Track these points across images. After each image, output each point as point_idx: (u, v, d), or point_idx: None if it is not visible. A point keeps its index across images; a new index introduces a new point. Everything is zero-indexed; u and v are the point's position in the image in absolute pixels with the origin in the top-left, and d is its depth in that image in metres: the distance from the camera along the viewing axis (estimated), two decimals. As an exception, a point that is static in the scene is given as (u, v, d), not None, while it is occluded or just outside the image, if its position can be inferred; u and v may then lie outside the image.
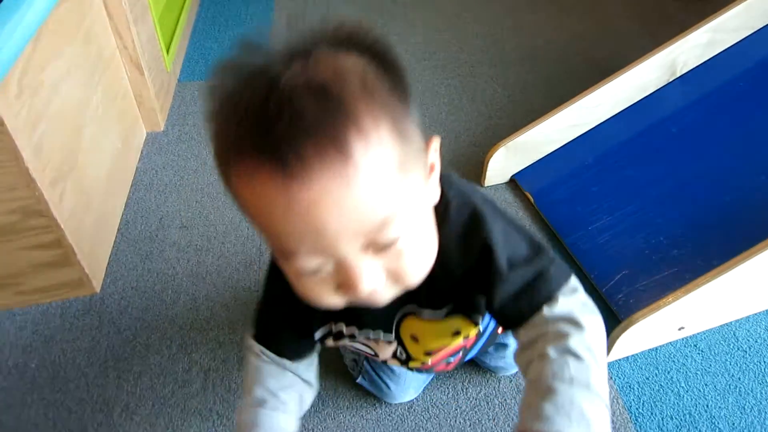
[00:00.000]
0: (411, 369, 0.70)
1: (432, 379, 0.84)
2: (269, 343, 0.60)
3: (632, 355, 0.88)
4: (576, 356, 0.43)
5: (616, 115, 1.18)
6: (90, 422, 0.80)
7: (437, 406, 0.82)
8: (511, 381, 0.85)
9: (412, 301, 0.55)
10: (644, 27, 1.72)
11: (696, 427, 0.80)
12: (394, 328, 0.59)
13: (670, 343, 0.90)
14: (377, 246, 0.40)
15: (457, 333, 0.59)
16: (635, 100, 1.18)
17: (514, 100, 1.44)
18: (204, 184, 1.18)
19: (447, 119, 1.37)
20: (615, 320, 0.88)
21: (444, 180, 0.49)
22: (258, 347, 0.60)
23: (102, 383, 0.85)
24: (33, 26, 0.76)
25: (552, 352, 0.44)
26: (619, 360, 0.88)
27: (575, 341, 0.44)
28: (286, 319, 0.58)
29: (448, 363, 0.69)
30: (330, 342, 0.61)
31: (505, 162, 1.16)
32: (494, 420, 0.81)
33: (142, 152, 1.27)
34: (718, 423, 0.80)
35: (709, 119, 1.14)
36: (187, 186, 1.18)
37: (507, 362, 0.82)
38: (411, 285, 0.44)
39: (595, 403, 0.41)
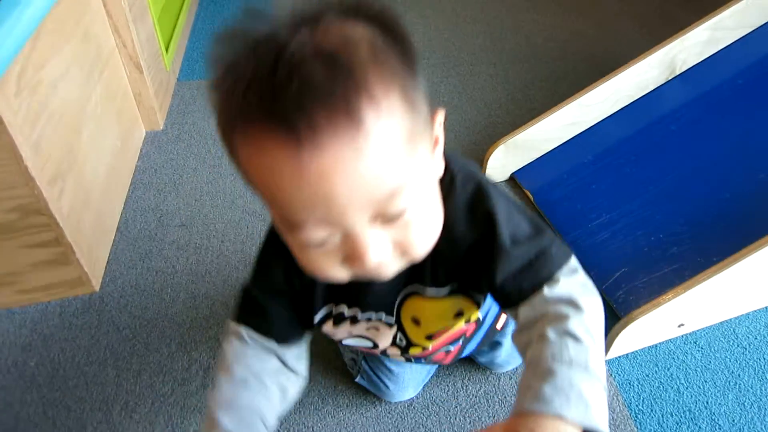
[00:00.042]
0: (410, 359, 0.69)
1: (431, 376, 0.84)
2: (257, 322, 0.56)
3: (632, 353, 0.88)
4: (575, 338, 0.43)
5: (615, 113, 1.18)
6: (89, 421, 0.80)
7: (437, 404, 0.82)
8: (511, 378, 0.85)
9: (416, 280, 0.54)
10: (644, 25, 1.72)
11: (696, 424, 0.80)
12: (395, 309, 0.58)
13: (670, 340, 0.90)
14: (385, 217, 0.39)
15: (459, 314, 0.58)
16: (635, 98, 1.18)
17: (514, 98, 1.44)
18: (203, 183, 1.18)
19: (446, 117, 1.36)
20: (615, 317, 0.88)
21: (447, 155, 0.48)
22: (243, 329, 0.56)
23: (101, 381, 0.85)
24: (32, 24, 0.76)
25: (551, 333, 0.44)
26: (619, 357, 0.88)
27: (574, 323, 0.44)
28: (280, 294, 0.56)
29: (448, 352, 0.68)
30: (328, 327, 0.60)
31: (504, 160, 1.16)
32: (494, 417, 0.81)
33: (141, 151, 1.26)
34: (718, 419, 0.80)
35: (709, 117, 1.14)
36: (187, 185, 1.18)
37: (502, 360, 0.82)
38: (417, 258, 0.44)
39: (594, 385, 0.42)
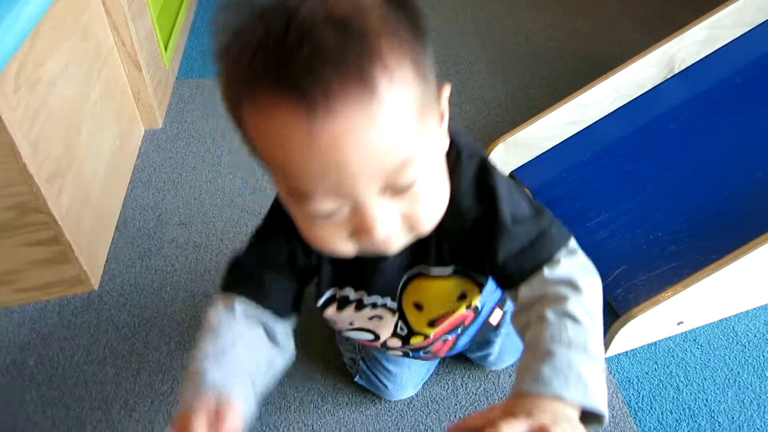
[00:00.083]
0: (408, 353, 0.69)
1: (431, 375, 0.84)
2: (251, 291, 0.53)
3: (631, 350, 0.88)
4: (574, 319, 0.44)
5: (614, 111, 1.18)
6: (89, 419, 0.80)
7: (437, 402, 0.82)
8: (510, 376, 0.85)
9: (420, 261, 0.54)
10: (643, 24, 1.73)
11: (695, 421, 0.80)
12: (398, 294, 0.57)
13: (669, 337, 0.90)
14: (395, 188, 0.39)
15: (462, 297, 0.58)
16: (633, 97, 1.19)
17: (513, 97, 1.44)
18: (202, 182, 1.18)
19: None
20: (614, 315, 0.88)
21: (452, 131, 0.49)
22: (236, 299, 0.52)
23: (100, 380, 0.84)
24: (31, 22, 0.76)
25: (550, 315, 0.44)
26: (619, 355, 0.88)
27: (573, 304, 0.44)
28: (280, 268, 0.54)
29: (446, 341, 0.68)
30: (331, 311, 0.59)
31: (504, 158, 1.16)
32: (494, 415, 0.81)
33: (140, 149, 1.26)
34: (717, 417, 0.80)
35: (707, 116, 1.14)
36: (186, 183, 1.18)
37: (494, 358, 0.82)
38: (424, 232, 0.44)
39: (593, 366, 0.42)
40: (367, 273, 0.55)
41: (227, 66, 0.38)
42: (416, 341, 0.64)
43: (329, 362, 0.86)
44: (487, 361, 0.83)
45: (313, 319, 0.90)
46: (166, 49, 1.40)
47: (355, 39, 0.35)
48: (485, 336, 0.78)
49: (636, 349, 0.89)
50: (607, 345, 0.86)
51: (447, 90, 0.45)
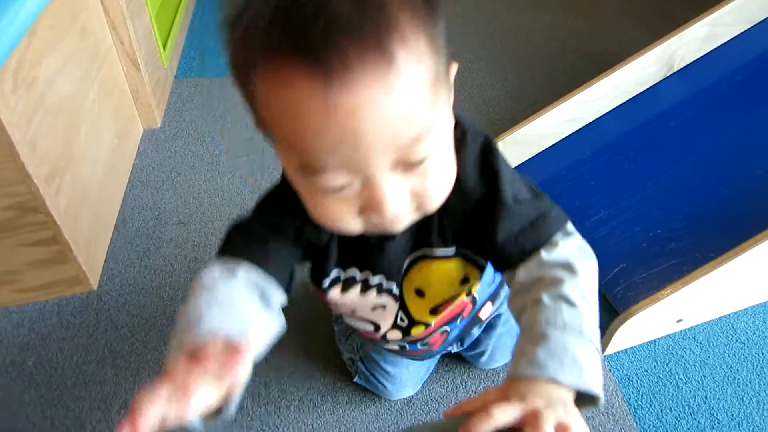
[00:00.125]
0: (406, 346, 0.69)
1: (430, 374, 0.84)
2: (253, 253, 0.50)
3: (631, 348, 0.88)
4: (569, 302, 0.44)
5: (614, 109, 1.18)
6: (88, 420, 0.80)
7: (436, 400, 0.82)
8: (510, 375, 0.85)
9: (423, 244, 0.54)
10: (643, 23, 1.72)
11: (695, 419, 0.80)
12: (401, 279, 0.57)
13: (669, 335, 0.90)
14: (407, 164, 0.39)
15: (465, 281, 0.58)
16: (633, 95, 1.18)
17: (513, 95, 1.43)
18: (201, 181, 1.18)
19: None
20: (613, 313, 0.88)
21: (455, 112, 0.49)
22: (237, 261, 0.49)
23: (100, 380, 0.84)
24: (29, 20, 0.75)
25: (546, 298, 0.44)
26: (618, 352, 0.88)
27: (569, 287, 0.44)
28: (286, 238, 0.52)
29: (444, 332, 0.68)
30: (335, 293, 0.58)
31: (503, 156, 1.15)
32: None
33: (138, 149, 1.26)
34: (716, 414, 0.81)
35: (707, 113, 1.14)
36: (185, 182, 1.18)
37: (486, 358, 0.82)
38: (430, 209, 0.44)
39: (588, 349, 0.42)
40: (372, 254, 0.54)
41: (239, 33, 0.37)
42: (417, 332, 0.64)
43: (329, 361, 0.86)
44: (480, 361, 0.83)
45: (313, 318, 0.90)
46: (164, 48, 1.40)
47: (373, 8, 0.34)
48: (471, 331, 0.77)
49: (635, 346, 0.89)
50: (606, 343, 0.86)
51: (454, 68, 0.45)
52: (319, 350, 0.87)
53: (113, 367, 0.86)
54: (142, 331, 0.91)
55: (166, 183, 1.17)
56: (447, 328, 0.67)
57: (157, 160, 1.23)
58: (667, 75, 1.19)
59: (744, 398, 0.82)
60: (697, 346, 0.89)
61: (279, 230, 0.52)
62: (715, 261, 0.82)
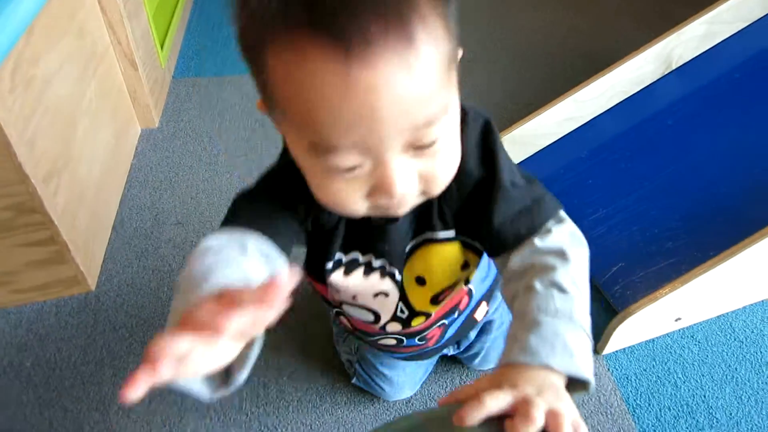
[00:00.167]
0: (404, 339, 0.68)
1: (428, 375, 0.84)
2: (257, 224, 0.47)
3: (629, 347, 0.88)
4: (561, 289, 0.44)
5: (611, 108, 1.18)
6: (86, 421, 0.80)
7: (435, 401, 0.82)
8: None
9: (425, 228, 0.54)
10: (642, 21, 1.72)
11: (693, 418, 0.80)
12: (402, 264, 0.57)
13: (667, 334, 0.90)
14: (417, 146, 0.39)
15: (465, 266, 0.58)
16: (631, 93, 1.18)
17: (511, 94, 1.43)
18: (199, 181, 1.18)
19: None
20: (612, 312, 0.88)
21: None
22: (241, 230, 0.46)
23: (98, 381, 0.84)
24: (26, 20, 0.75)
25: (538, 285, 0.45)
26: (617, 351, 0.88)
27: (561, 274, 0.45)
28: (291, 218, 0.50)
29: (442, 325, 0.68)
30: (338, 277, 0.57)
31: (501, 156, 1.15)
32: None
33: (136, 149, 1.26)
34: (715, 413, 0.81)
35: (705, 112, 1.14)
36: (182, 182, 1.17)
37: (480, 359, 0.82)
38: (435, 193, 0.44)
39: (578, 335, 0.42)
40: (375, 238, 0.54)
41: (253, 5, 0.37)
42: (417, 323, 0.64)
43: (328, 362, 0.86)
44: (474, 362, 0.83)
45: (312, 319, 0.90)
46: (162, 47, 1.40)
47: None
48: (467, 332, 0.78)
49: (634, 345, 0.89)
50: (604, 342, 0.86)
51: (460, 53, 0.45)
52: (318, 351, 0.87)
53: (111, 368, 0.86)
54: (140, 332, 0.90)
55: (164, 183, 1.17)
56: (445, 321, 0.67)
57: (154, 160, 1.23)
58: (665, 73, 1.19)
59: (742, 397, 0.82)
60: (695, 344, 0.89)
61: (288, 208, 0.51)
62: (713, 259, 0.82)
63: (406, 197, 0.42)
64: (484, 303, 0.73)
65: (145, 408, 0.81)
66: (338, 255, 0.56)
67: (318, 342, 0.88)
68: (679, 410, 0.81)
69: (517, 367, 0.40)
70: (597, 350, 0.87)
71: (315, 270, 0.57)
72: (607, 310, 0.90)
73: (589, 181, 1.10)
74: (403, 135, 0.38)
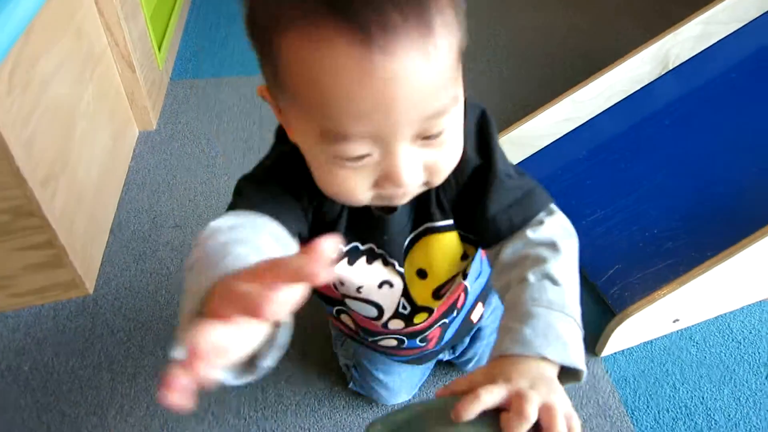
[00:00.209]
0: (405, 339, 0.68)
1: (426, 378, 0.83)
2: (273, 211, 0.45)
3: (627, 349, 0.89)
4: (553, 281, 0.45)
5: (609, 108, 1.18)
6: (84, 425, 0.80)
7: (434, 403, 0.82)
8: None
9: (425, 220, 0.54)
10: (641, 21, 1.72)
11: (692, 420, 0.80)
12: (403, 257, 0.57)
13: (666, 335, 0.90)
14: (425, 136, 0.40)
15: (464, 257, 0.58)
16: (628, 94, 1.18)
17: (508, 95, 1.43)
18: (197, 183, 1.18)
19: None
20: (610, 314, 0.88)
21: None
22: (251, 213, 0.44)
23: (96, 385, 0.84)
24: (23, 22, 0.75)
25: (531, 276, 0.45)
26: (615, 353, 0.88)
27: (553, 266, 0.45)
28: (294, 206, 0.49)
29: (442, 324, 0.68)
30: (343, 265, 0.56)
31: (499, 157, 1.15)
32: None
33: (134, 151, 1.26)
34: (714, 415, 0.81)
35: (702, 111, 1.14)
36: (180, 185, 1.17)
37: (473, 365, 0.82)
38: (436, 183, 0.45)
39: (570, 325, 0.43)
40: (375, 228, 0.54)
41: None
42: (420, 320, 0.64)
43: (326, 365, 0.86)
44: (468, 367, 0.84)
45: (311, 322, 0.90)
46: (159, 49, 1.39)
47: None
48: (464, 334, 0.78)
49: (632, 347, 0.89)
50: (603, 344, 0.86)
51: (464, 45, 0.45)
52: (317, 354, 0.87)
53: (109, 372, 0.86)
54: (138, 336, 0.90)
55: (162, 186, 1.17)
56: (446, 320, 0.67)
57: (152, 163, 1.23)
58: (662, 73, 1.19)
59: (741, 398, 0.82)
60: (693, 346, 0.89)
61: (294, 195, 0.49)
62: (711, 260, 0.82)
63: (410, 187, 0.42)
64: (479, 304, 0.74)
65: (144, 412, 0.81)
66: (342, 247, 0.56)
67: (316, 345, 0.88)
68: (677, 412, 0.81)
69: (511, 358, 0.40)
70: (595, 352, 0.87)
71: None
72: (605, 311, 0.90)
73: (587, 181, 1.10)
74: (414, 125, 0.38)
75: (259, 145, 1.27)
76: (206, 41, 1.64)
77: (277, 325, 0.32)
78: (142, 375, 0.85)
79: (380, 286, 0.59)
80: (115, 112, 1.18)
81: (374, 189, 0.42)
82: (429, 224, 0.54)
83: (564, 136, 1.17)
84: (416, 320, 0.64)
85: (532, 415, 0.35)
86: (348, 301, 0.63)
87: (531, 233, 0.49)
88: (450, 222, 0.54)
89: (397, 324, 0.64)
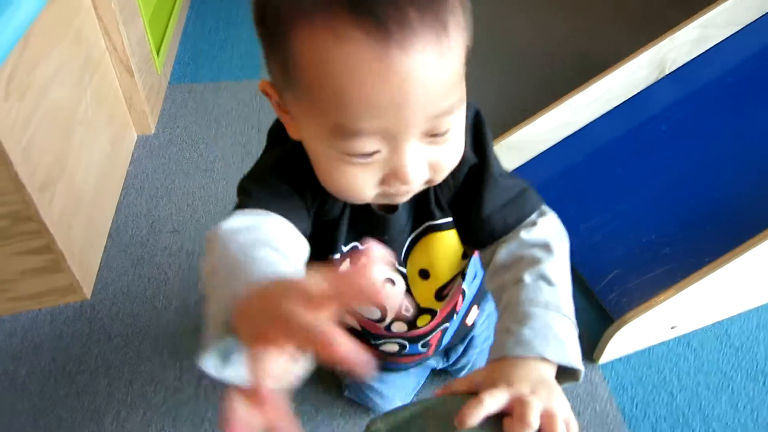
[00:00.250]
0: (406, 344, 0.68)
1: (421, 386, 0.83)
2: (284, 210, 0.46)
3: (625, 356, 0.88)
4: (549, 281, 0.45)
5: (606, 113, 1.18)
6: (81, 430, 0.80)
7: (431, 409, 0.82)
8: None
9: (426, 219, 0.54)
10: (636, 26, 1.72)
11: (689, 428, 0.80)
12: (404, 257, 0.57)
13: (663, 342, 0.90)
14: (432, 135, 0.40)
15: (465, 255, 0.59)
16: (626, 98, 1.19)
17: (505, 100, 1.43)
18: (195, 188, 1.18)
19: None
20: (608, 320, 0.88)
21: None
22: (262, 213, 0.44)
23: (93, 391, 0.84)
24: (21, 27, 0.75)
25: (527, 277, 0.46)
26: (612, 360, 0.88)
27: (548, 267, 0.46)
28: (300, 205, 0.49)
29: (444, 329, 0.68)
30: (346, 265, 0.56)
31: (497, 162, 1.15)
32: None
33: (132, 155, 1.26)
34: (711, 423, 0.80)
35: (699, 116, 1.14)
36: (179, 189, 1.17)
37: (466, 371, 0.82)
38: (437, 181, 0.45)
39: (566, 324, 0.44)
40: (377, 227, 0.54)
41: None
42: (422, 323, 0.64)
43: (323, 372, 0.86)
44: (460, 375, 0.83)
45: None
46: (158, 53, 1.39)
47: None
48: (460, 338, 0.78)
49: (630, 354, 0.89)
50: (600, 351, 0.86)
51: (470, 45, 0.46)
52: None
53: (106, 377, 0.85)
54: (135, 341, 0.90)
55: (161, 190, 1.17)
56: (447, 324, 0.68)
57: (151, 167, 1.23)
58: (659, 78, 1.19)
59: (738, 405, 0.82)
60: (691, 352, 0.89)
61: (298, 193, 0.48)
62: (709, 266, 0.82)
63: (415, 184, 0.43)
64: (475, 307, 0.74)
65: (140, 418, 0.81)
66: (343, 246, 0.56)
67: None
68: (675, 420, 0.81)
69: (512, 360, 0.40)
70: (593, 359, 0.87)
71: (321, 263, 0.57)
72: (603, 318, 0.90)
73: (585, 187, 1.10)
74: (424, 123, 0.39)
75: (258, 150, 1.25)
76: (205, 45, 1.64)
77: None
78: (138, 381, 0.85)
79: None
80: (113, 116, 1.18)
81: (380, 186, 0.43)
82: (430, 222, 0.54)
83: (561, 141, 1.17)
84: (419, 323, 0.64)
85: (534, 423, 0.35)
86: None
87: (525, 234, 0.49)
88: (450, 219, 0.54)
89: (400, 327, 0.65)
